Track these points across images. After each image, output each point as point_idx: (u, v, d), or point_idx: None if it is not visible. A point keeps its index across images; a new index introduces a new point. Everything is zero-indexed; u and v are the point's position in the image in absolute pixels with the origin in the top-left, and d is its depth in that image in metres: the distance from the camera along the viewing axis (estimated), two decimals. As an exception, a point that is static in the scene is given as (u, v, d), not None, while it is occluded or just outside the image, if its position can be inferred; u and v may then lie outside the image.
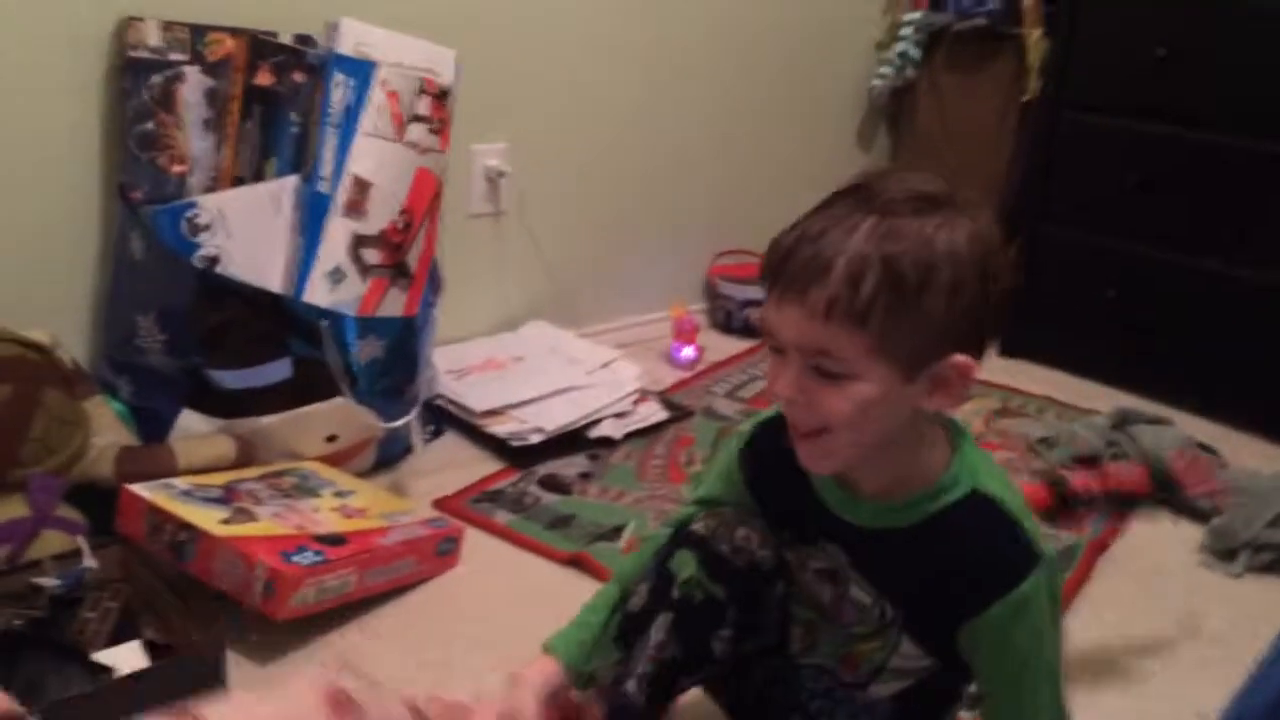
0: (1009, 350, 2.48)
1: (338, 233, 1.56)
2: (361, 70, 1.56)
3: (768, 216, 2.53)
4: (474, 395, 1.87)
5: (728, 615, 0.98)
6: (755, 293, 2.49)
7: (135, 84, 1.50)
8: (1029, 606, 0.87)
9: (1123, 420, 1.95)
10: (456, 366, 1.96)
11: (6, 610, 1.20)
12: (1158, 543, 1.71)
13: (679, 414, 2.01)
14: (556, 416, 1.84)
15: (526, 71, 2.03)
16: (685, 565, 0.99)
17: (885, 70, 2.61)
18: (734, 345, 2.41)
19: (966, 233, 0.81)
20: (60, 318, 1.55)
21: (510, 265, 2.14)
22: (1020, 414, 2.16)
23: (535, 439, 1.80)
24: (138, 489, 1.30)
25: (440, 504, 1.64)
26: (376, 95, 1.56)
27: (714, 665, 1.01)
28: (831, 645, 1.00)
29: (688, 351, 2.27)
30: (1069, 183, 2.35)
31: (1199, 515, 1.74)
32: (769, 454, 0.99)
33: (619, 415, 1.92)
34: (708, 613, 0.98)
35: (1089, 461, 1.92)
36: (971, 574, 0.88)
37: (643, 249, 2.37)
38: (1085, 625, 1.45)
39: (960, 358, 0.83)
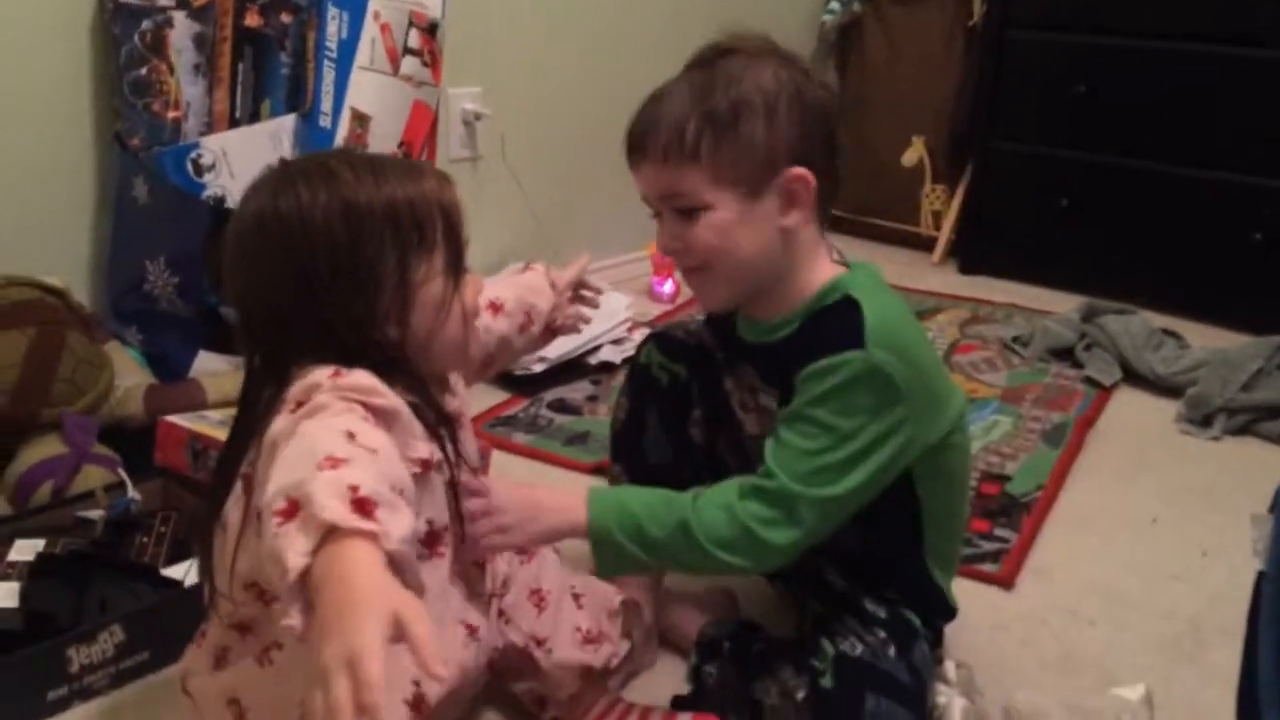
0: (969, 268, 2.58)
1: (341, 166, 1.58)
2: (354, 3, 1.57)
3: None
4: (473, 332, 1.89)
5: (693, 392, 1.15)
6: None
7: (125, 31, 1.50)
8: (826, 373, 0.93)
9: (1091, 313, 2.05)
10: (449, 308, 1.98)
11: (62, 540, 1.21)
12: (1140, 415, 1.82)
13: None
14: (557, 346, 1.86)
15: (498, 12, 2.06)
16: (648, 354, 1.17)
17: (834, 5, 2.68)
18: (708, 280, 2.47)
19: (771, 68, 0.96)
20: (60, 269, 1.54)
21: (490, 210, 2.16)
22: (990, 320, 2.25)
23: (539, 368, 1.84)
24: (177, 419, 1.30)
25: (457, 432, 1.67)
26: (370, 28, 1.58)
27: (696, 458, 1.16)
28: None
29: (668, 286, 2.32)
30: (1017, 99, 2.45)
31: (1175, 389, 1.85)
32: (683, 335, 1.18)
33: (615, 342, 1.97)
34: (675, 392, 1.15)
35: (1063, 354, 2.04)
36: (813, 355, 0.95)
37: (619, 187, 2.39)
38: (1085, 491, 1.56)
39: (796, 170, 0.95)
